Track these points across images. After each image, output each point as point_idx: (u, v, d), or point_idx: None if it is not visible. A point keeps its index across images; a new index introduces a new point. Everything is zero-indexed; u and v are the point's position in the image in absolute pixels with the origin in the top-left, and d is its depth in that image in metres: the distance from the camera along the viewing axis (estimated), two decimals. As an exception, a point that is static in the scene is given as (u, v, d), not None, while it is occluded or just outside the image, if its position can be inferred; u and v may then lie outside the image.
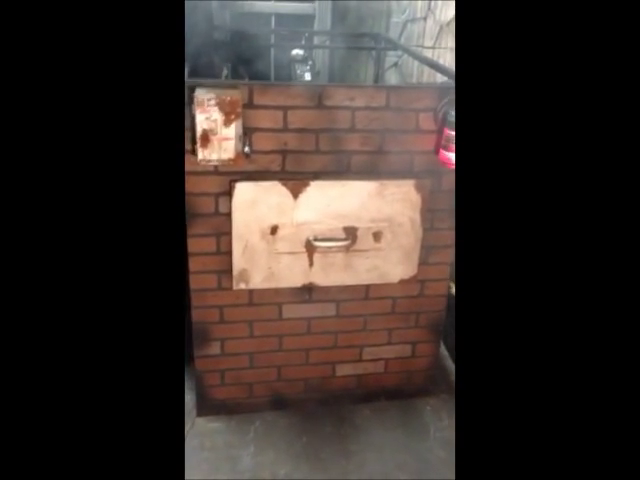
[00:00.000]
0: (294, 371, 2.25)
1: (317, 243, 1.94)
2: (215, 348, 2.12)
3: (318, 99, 1.75)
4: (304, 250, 1.96)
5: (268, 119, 1.75)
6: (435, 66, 2.15)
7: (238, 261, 1.93)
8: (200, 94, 1.58)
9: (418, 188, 1.93)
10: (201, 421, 2.24)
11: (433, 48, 3.03)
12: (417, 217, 1.98)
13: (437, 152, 1.84)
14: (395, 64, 3.67)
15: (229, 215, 1.86)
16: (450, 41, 2.84)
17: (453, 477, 2.08)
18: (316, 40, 3.69)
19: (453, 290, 2.53)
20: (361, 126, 1.81)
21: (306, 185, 1.85)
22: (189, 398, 2.31)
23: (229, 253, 1.93)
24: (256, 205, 1.84)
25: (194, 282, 1.97)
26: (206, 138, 1.63)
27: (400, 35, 3.56)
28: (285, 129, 1.77)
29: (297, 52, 2.83)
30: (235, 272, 1.96)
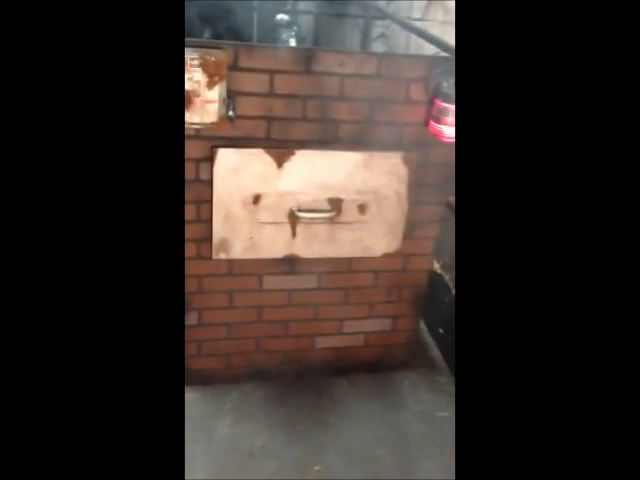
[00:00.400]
0: (273, 343, 2.23)
1: (301, 214, 1.89)
2: (192, 318, 2.08)
3: (306, 64, 1.68)
4: (287, 221, 1.91)
5: (254, 83, 1.67)
6: (427, 37, 2.08)
7: (218, 230, 1.88)
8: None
9: (406, 161, 1.89)
10: (177, 391, 2.21)
11: (421, 20, 2.95)
12: (403, 190, 1.94)
13: (427, 124, 1.79)
14: (382, 35, 3.58)
15: (210, 182, 1.79)
16: (439, 14, 2.77)
17: (431, 450, 2.11)
18: (302, 5, 3.57)
19: (435, 266, 2.53)
20: (350, 94, 1.75)
21: (291, 154, 1.79)
22: (165, 368, 2.27)
23: (209, 221, 1.87)
24: (239, 173, 1.78)
25: (172, 250, 1.91)
26: (188, 100, 1.55)
27: (387, 6, 3.47)
28: (271, 94, 1.70)
29: (282, 17, 2.72)
30: (215, 241, 1.90)
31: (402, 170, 1.90)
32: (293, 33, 2.64)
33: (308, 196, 1.88)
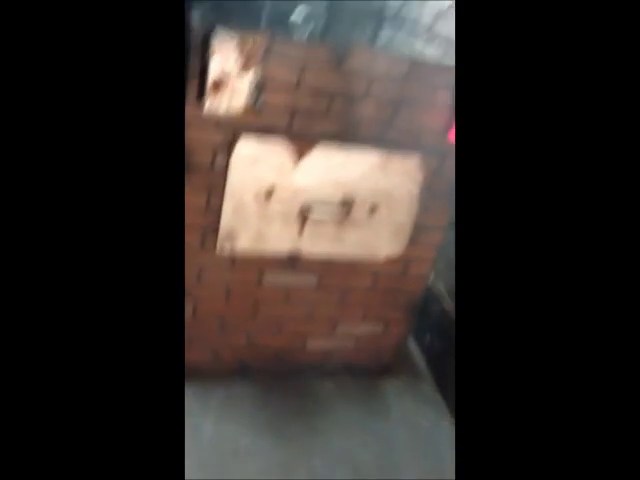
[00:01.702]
0: (265, 340, 2.18)
1: (312, 210, 1.85)
2: (187, 309, 2.01)
3: (338, 60, 1.64)
4: (297, 216, 1.87)
5: (283, 73, 1.62)
6: (437, 39, 2.08)
7: (227, 220, 1.81)
8: (221, 36, 1.43)
9: (422, 166, 1.88)
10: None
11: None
12: (415, 195, 1.93)
13: (448, 132, 1.79)
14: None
15: (225, 171, 1.73)
16: (445, 28, 2.76)
17: (415, 458, 2.10)
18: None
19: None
20: (376, 94, 1.72)
21: (311, 148, 1.75)
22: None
23: (218, 212, 1.81)
24: (256, 163, 1.73)
25: (176, 238, 1.83)
26: (218, 85, 1.49)
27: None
28: (298, 86, 1.66)
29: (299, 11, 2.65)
30: (222, 231, 1.84)
31: (417, 175, 1.89)
32: (308, 29, 2.57)
33: (321, 193, 1.84)
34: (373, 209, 1.92)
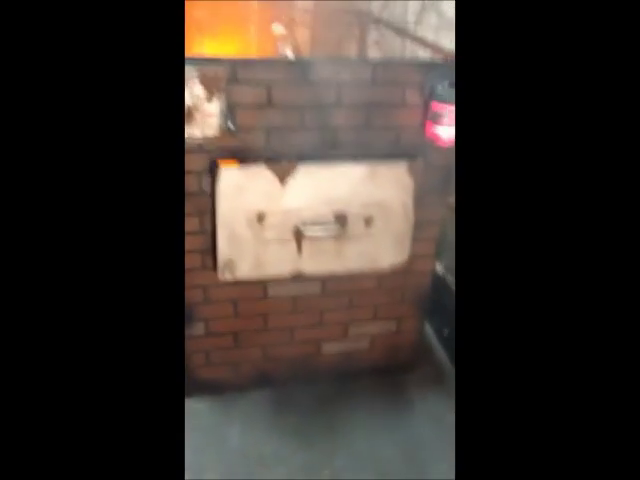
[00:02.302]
0: (279, 350, 2.25)
1: (306, 230, 1.88)
2: (199, 328, 2.10)
3: (303, 74, 1.70)
4: (292, 237, 1.90)
5: (251, 95, 1.69)
6: (419, 40, 2.11)
7: (224, 250, 1.86)
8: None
9: (410, 170, 1.87)
10: (187, 402, 2.22)
11: (416, 24, 2.98)
12: (409, 201, 1.93)
13: (424, 127, 1.82)
14: (376, 42, 3.60)
15: (213, 194, 1.81)
16: (433, 18, 2.80)
17: (442, 452, 2.11)
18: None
19: (438, 268, 2.54)
20: (347, 101, 1.77)
21: (294, 169, 1.77)
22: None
23: (212, 233, 1.89)
24: (242, 192, 1.77)
25: (177, 263, 1.93)
26: (190, 114, 1.58)
27: (382, 11, 3.49)
28: (269, 105, 1.72)
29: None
30: (220, 262, 1.89)
31: (407, 181, 1.89)
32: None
33: (313, 211, 1.87)
34: (368, 221, 1.93)
